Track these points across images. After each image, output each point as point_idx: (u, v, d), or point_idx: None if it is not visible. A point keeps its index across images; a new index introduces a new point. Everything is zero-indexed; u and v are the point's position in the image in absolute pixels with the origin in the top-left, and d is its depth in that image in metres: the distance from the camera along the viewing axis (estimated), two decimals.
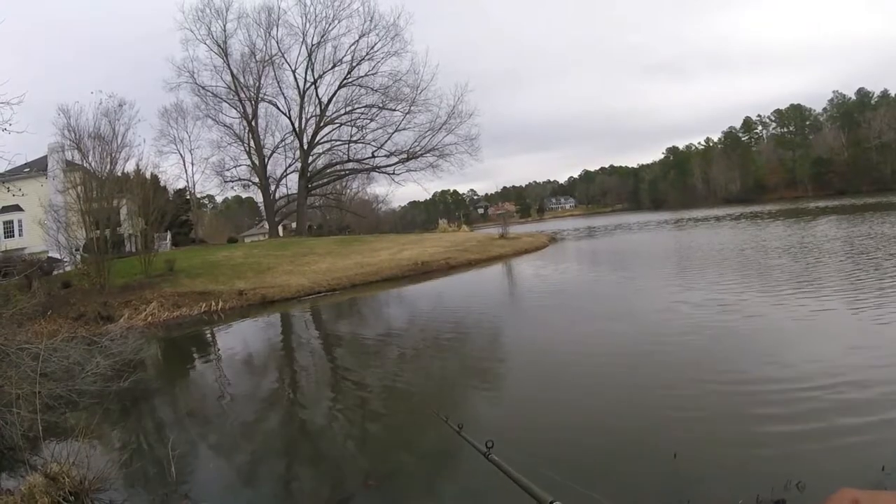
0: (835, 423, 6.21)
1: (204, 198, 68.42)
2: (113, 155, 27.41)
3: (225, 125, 53.56)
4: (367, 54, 51.69)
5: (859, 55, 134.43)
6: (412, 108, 52.47)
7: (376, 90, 52.80)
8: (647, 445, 6.23)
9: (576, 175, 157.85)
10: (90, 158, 27.49)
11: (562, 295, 18.14)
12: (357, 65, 52.20)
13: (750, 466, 5.54)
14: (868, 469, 5.17)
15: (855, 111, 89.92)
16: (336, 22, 51.67)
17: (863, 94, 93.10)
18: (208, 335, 18.18)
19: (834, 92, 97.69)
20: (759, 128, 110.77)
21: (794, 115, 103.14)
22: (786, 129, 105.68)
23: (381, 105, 53.32)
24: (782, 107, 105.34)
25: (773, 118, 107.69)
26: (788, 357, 8.68)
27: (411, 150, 54.05)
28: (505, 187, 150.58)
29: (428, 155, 53.96)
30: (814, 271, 16.11)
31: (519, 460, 2.13)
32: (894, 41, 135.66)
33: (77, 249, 26.35)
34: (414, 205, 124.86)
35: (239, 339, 16.70)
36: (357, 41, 51.41)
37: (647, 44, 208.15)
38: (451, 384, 9.83)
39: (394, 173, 55.87)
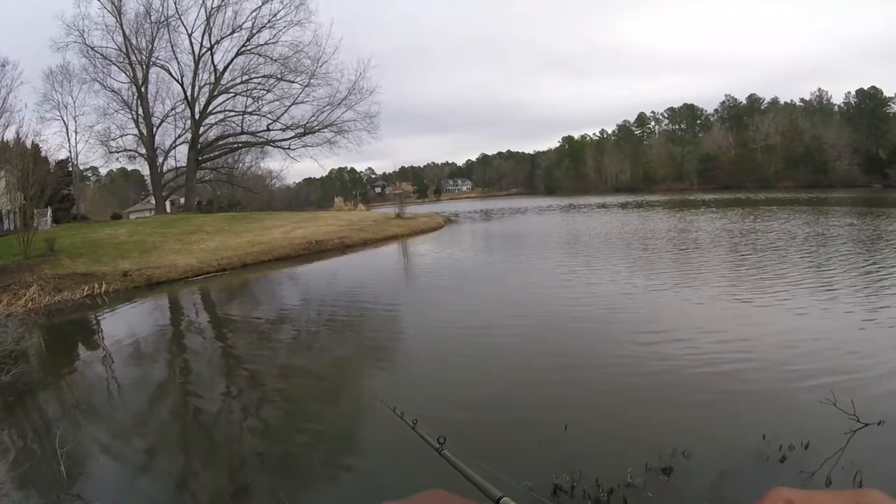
0: (714, 396, 7.12)
1: (87, 170, 63.99)
2: None
3: (113, 90, 49.62)
4: (269, 22, 49.63)
5: (750, 68, 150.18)
6: (312, 81, 51.38)
7: (276, 60, 51.02)
8: (539, 419, 6.88)
9: (473, 158, 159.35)
10: None
11: (456, 277, 19.18)
12: (257, 32, 50.03)
13: (637, 437, 6.18)
14: (749, 437, 5.87)
15: (744, 114, 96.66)
16: None
17: (753, 99, 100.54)
18: (93, 321, 17.41)
19: (726, 95, 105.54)
20: (652, 123, 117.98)
21: (686, 114, 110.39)
22: (677, 127, 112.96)
23: (279, 76, 51.57)
24: (676, 106, 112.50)
25: (666, 115, 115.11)
26: (671, 341, 9.82)
27: (308, 125, 52.99)
28: (403, 167, 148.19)
29: (325, 130, 53.16)
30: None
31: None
32: (780, 59, 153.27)
33: None
34: (309, 182, 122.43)
35: (126, 324, 16.13)
36: (259, 7, 49.14)
37: (554, 40, 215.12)
38: (349, 366, 10.32)
39: (289, 148, 54.49)
